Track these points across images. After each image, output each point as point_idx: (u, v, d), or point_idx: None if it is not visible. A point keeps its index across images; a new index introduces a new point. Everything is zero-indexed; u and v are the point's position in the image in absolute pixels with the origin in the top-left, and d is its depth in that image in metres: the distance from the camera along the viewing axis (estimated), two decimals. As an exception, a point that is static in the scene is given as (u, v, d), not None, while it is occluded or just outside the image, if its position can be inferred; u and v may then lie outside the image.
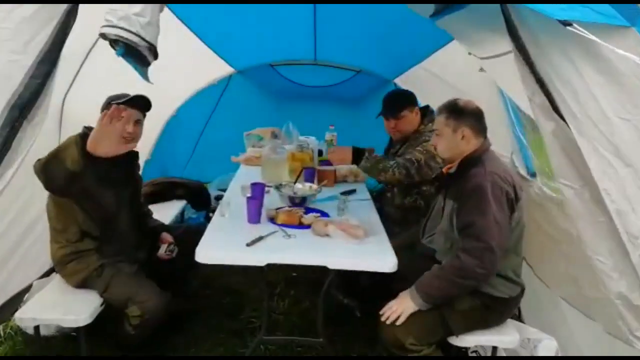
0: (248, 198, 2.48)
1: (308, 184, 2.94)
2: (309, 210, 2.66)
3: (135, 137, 2.43)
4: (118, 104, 2.33)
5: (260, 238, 2.26)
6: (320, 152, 3.60)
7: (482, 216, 1.99)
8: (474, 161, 2.17)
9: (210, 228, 2.39)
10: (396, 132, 3.04)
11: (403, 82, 4.40)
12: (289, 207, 2.69)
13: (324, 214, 2.65)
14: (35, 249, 2.92)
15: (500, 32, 1.52)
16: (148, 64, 1.70)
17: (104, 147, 1.90)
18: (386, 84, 4.74)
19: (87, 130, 2.11)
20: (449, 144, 2.23)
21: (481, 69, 2.83)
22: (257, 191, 2.66)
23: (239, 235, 2.28)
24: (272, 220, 2.50)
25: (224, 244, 2.23)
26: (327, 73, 4.83)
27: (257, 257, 2.13)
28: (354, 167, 3.34)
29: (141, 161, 4.43)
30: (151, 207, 3.76)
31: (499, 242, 1.97)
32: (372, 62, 4.55)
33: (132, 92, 2.44)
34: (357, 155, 2.89)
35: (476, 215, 2.01)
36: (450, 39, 3.01)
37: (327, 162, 3.41)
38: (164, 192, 3.91)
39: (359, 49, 4.29)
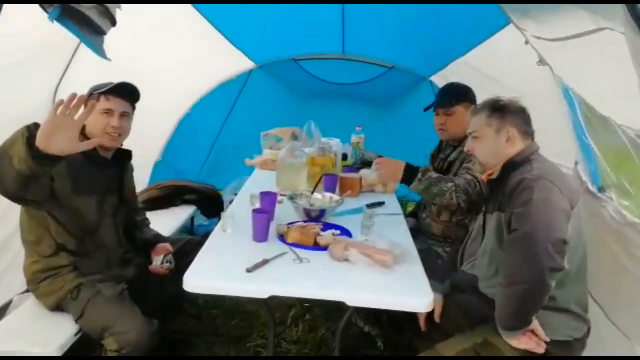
0: (254, 211, 2.06)
1: (328, 194, 2.50)
2: (327, 227, 2.23)
3: (122, 133, 2.06)
4: (100, 93, 1.96)
5: (265, 262, 1.84)
6: (344, 156, 3.16)
7: (525, 206, 1.59)
8: (519, 163, 1.78)
9: (205, 247, 1.98)
10: (444, 132, 2.58)
11: (440, 80, 3.91)
12: (304, 222, 2.26)
13: (344, 232, 2.21)
14: (21, 258, 2.58)
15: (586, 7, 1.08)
16: (102, 32, 1.29)
17: (58, 143, 1.51)
18: (421, 82, 4.27)
19: None
20: (491, 147, 1.85)
21: (539, 62, 2.34)
22: (266, 202, 2.24)
23: (239, 257, 1.87)
24: (282, 237, 2.08)
25: (218, 269, 1.81)
26: (356, 69, 4.40)
27: (258, 288, 1.72)
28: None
29: (150, 162, 4.23)
30: (156, 213, 3.45)
31: (546, 230, 1.53)
32: (405, 57, 4.10)
33: (136, 83, 2.08)
34: (409, 172, 2.35)
35: (518, 207, 1.62)
36: (495, 30, 2.54)
37: (352, 169, 2.97)
38: (171, 196, 3.56)
39: (391, 43, 3.87)
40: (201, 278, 1.74)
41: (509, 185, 1.69)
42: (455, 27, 2.88)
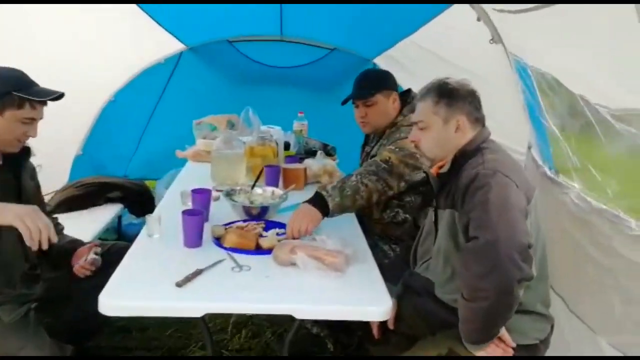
0: (184, 213, 1.78)
1: (270, 189, 2.25)
2: (270, 226, 1.99)
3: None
4: (29, 100, 1.62)
5: (199, 272, 1.58)
6: (286, 145, 2.91)
7: (482, 209, 1.42)
8: (471, 153, 1.60)
9: (127, 258, 1.69)
10: (366, 125, 2.35)
11: (386, 61, 3.73)
12: (244, 221, 2.00)
13: (290, 231, 1.97)
14: None
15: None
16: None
17: None
18: (365, 64, 4.07)
19: None
20: (439, 138, 1.66)
21: (492, 40, 2.19)
22: (199, 201, 1.97)
23: (168, 268, 1.60)
24: (218, 241, 1.81)
25: (142, 285, 1.53)
26: (296, 51, 4.13)
27: (190, 305, 1.46)
28: (329, 163, 2.69)
29: (69, 157, 3.79)
30: (74, 215, 3.06)
31: (509, 236, 1.36)
32: (348, 38, 3.87)
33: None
34: (319, 201, 1.92)
35: (475, 210, 1.44)
36: (444, 7, 2.36)
37: (295, 159, 2.73)
38: (93, 195, 3.18)
39: (333, 23, 3.63)
40: (120, 298, 1.46)
41: (462, 180, 1.52)
42: (402, 5, 2.68)
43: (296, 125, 3.02)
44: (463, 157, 1.61)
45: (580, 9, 1.22)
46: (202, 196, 1.99)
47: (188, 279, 1.53)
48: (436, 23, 2.54)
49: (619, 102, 1.29)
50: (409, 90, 2.38)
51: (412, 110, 2.25)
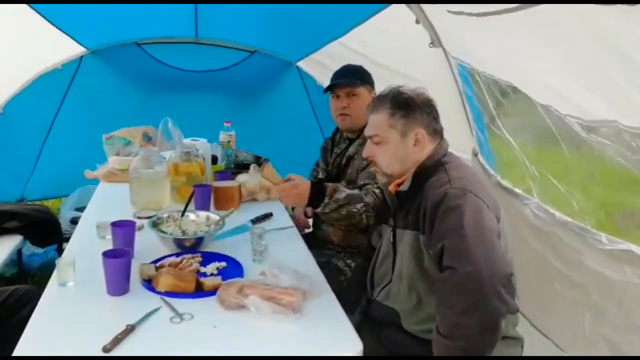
0: (105, 255, 1.48)
1: (204, 213, 1.99)
2: (208, 258, 1.74)
3: None
4: None
5: (130, 329, 1.30)
6: (214, 160, 2.64)
7: (457, 237, 1.29)
8: (432, 169, 1.49)
9: (37, 314, 1.37)
10: (346, 117, 2.18)
11: (311, 65, 3.57)
12: (177, 255, 1.73)
13: (231, 262, 1.74)
14: None
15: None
16: None
17: None
18: (288, 68, 3.88)
19: None
20: (396, 153, 1.53)
21: (432, 44, 2.10)
22: (121, 238, 1.67)
23: (90, 326, 1.32)
24: (149, 284, 1.54)
25: (60, 351, 1.23)
26: (213, 54, 3.84)
27: (126, 376, 1.19)
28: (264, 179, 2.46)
29: None
30: (-41, 254, 2.57)
31: (491, 266, 1.24)
32: (269, 39, 3.66)
33: None
34: (316, 193, 1.95)
35: (448, 237, 1.30)
36: (379, 8, 2.23)
37: (226, 174, 2.47)
38: (-17, 227, 2.68)
39: (252, 24, 3.41)
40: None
41: (428, 200, 1.39)
42: (330, 5, 2.52)
43: (223, 137, 2.75)
44: (424, 173, 1.48)
45: (549, 11, 1.12)
46: (124, 230, 1.69)
47: (118, 340, 1.25)
48: (369, 26, 2.41)
49: (590, 113, 1.22)
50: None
51: None
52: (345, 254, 2.19)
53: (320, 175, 2.37)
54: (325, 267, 2.06)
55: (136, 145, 2.82)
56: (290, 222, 2.18)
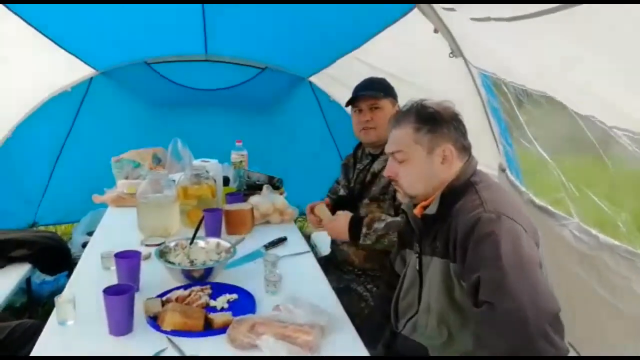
0: (107, 292, 1.37)
1: (214, 240, 1.87)
2: (218, 289, 1.62)
3: None
4: None
5: (132, 376, 1.18)
6: (225, 181, 2.53)
7: (494, 268, 1.14)
8: (461, 189, 1.35)
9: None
10: (370, 131, 2.04)
11: (324, 80, 3.46)
12: (185, 287, 1.61)
13: (243, 295, 1.61)
14: None
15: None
16: None
17: None
18: (300, 83, 3.78)
19: None
20: (422, 172, 1.40)
21: (452, 54, 1.97)
22: (125, 271, 1.56)
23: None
24: (154, 322, 1.42)
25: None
26: (223, 72, 3.75)
27: None
28: (278, 199, 2.35)
29: None
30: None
31: (535, 302, 1.09)
32: (280, 55, 3.56)
33: None
34: (354, 224, 1.91)
35: (484, 268, 1.16)
36: (394, 18, 2.11)
37: (238, 197, 2.36)
38: (-10, 256, 2.61)
39: (262, 40, 3.32)
40: None
41: (459, 225, 1.25)
42: (343, 18, 2.42)
43: (234, 157, 2.65)
44: (452, 194, 1.34)
45: (591, 11, 0.99)
46: (129, 262, 1.58)
47: (119, 389, 1.14)
48: (384, 38, 2.29)
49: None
50: None
51: None
52: (365, 277, 2.05)
53: (342, 192, 2.24)
54: (345, 293, 1.93)
55: (145, 168, 2.74)
56: (306, 247, 2.05)
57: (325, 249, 2.65)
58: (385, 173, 1.47)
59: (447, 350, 1.35)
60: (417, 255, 1.46)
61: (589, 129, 1.30)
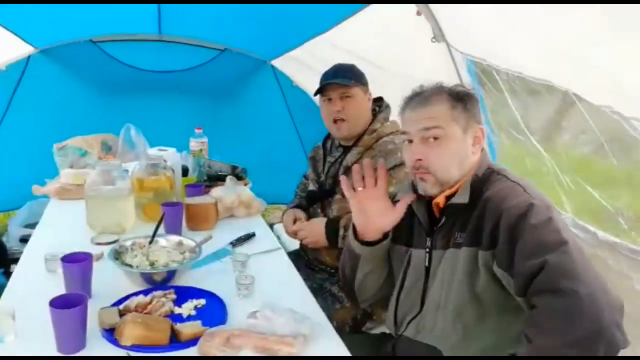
0: (53, 304, 1.17)
1: (176, 238, 1.68)
2: (183, 294, 1.45)
3: None
4: None
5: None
6: (184, 171, 2.32)
7: (562, 253, 1.07)
8: (485, 177, 1.28)
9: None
10: (343, 123, 1.90)
11: (288, 63, 3.29)
12: (145, 292, 1.43)
13: (212, 299, 1.45)
14: None
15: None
16: None
17: None
18: (263, 66, 3.59)
19: None
20: (458, 153, 1.29)
21: (434, 38, 1.86)
22: (75, 276, 1.36)
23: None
24: (111, 335, 1.23)
25: None
26: (178, 53, 3.48)
27: None
28: (244, 190, 2.18)
29: None
30: None
31: (606, 291, 1.05)
32: (241, 36, 3.35)
33: None
34: (330, 228, 1.87)
35: (551, 252, 1.07)
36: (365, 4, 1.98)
37: (199, 188, 2.17)
38: None
39: (222, 20, 3.10)
40: None
41: (502, 212, 1.16)
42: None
43: (194, 144, 2.44)
44: (479, 182, 1.27)
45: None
46: (79, 268, 1.37)
47: (70, 422, 0.96)
48: (358, 19, 2.14)
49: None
50: (380, 98, 2.02)
51: (387, 119, 1.88)
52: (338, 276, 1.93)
53: (311, 187, 2.10)
54: (318, 293, 1.80)
55: (94, 157, 2.49)
56: (277, 243, 1.90)
57: (290, 242, 2.51)
58: (414, 157, 1.31)
59: (466, 348, 1.24)
60: (427, 250, 1.35)
61: (600, 119, 1.22)
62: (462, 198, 1.25)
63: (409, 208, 1.39)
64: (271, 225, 2.95)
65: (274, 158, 3.49)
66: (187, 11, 2.97)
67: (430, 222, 1.36)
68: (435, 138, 1.27)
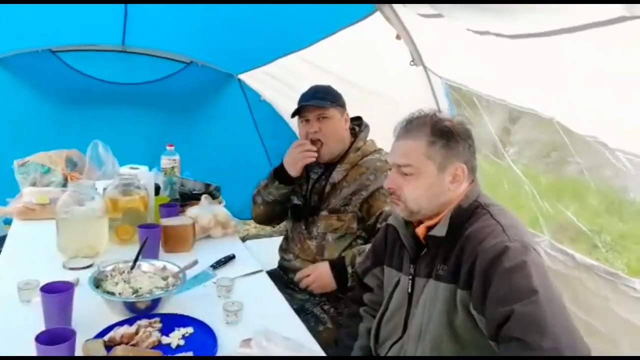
0: (39, 340, 1.11)
1: (159, 263, 1.64)
2: (168, 323, 1.41)
3: None
4: None
5: None
6: (156, 190, 2.26)
7: (530, 303, 1.07)
8: (469, 211, 1.29)
9: None
10: (317, 143, 1.93)
11: (257, 78, 3.26)
12: (130, 322, 1.38)
13: (200, 327, 1.42)
14: None
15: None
16: None
17: None
18: (229, 80, 3.55)
19: None
20: (429, 189, 1.31)
21: (412, 62, 1.91)
22: (56, 309, 1.30)
23: None
24: (99, 370, 1.18)
25: None
26: (143, 65, 3.41)
27: None
28: (220, 210, 2.15)
29: None
30: None
31: (573, 345, 1.03)
32: (207, 49, 3.31)
33: None
34: (337, 269, 1.84)
35: (519, 301, 1.08)
36: (351, 20, 2.01)
37: (173, 208, 2.11)
38: None
39: (188, 32, 3.07)
40: None
41: (477, 252, 1.17)
42: (289, 15, 2.26)
43: (165, 162, 2.38)
44: (460, 216, 1.27)
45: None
46: (61, 298, 1.31)
47: None
48: (338, 40, 2.17)
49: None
50: (359, 117, 2.04)
51: (366, 137, 1.94)
52: (320, 297, 1.94)
53: (296, 201, 2.09)
54: (300, 314, 1.79)
55: (58, 174, 2.38)
56: (257, 265, 1.88)
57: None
58: (387, 185, 1.35)
59: None
60: (410, 277, 1.37)
61: (585, 149, 1.28)
62: (440, 231, 1.27)
63: (398, 234, 1.42)
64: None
65: (242, 174, 3.45)
66: (152, 21, 2.92)
67: (417, 249, 1.39)
68: (407, 173, 1.30)
